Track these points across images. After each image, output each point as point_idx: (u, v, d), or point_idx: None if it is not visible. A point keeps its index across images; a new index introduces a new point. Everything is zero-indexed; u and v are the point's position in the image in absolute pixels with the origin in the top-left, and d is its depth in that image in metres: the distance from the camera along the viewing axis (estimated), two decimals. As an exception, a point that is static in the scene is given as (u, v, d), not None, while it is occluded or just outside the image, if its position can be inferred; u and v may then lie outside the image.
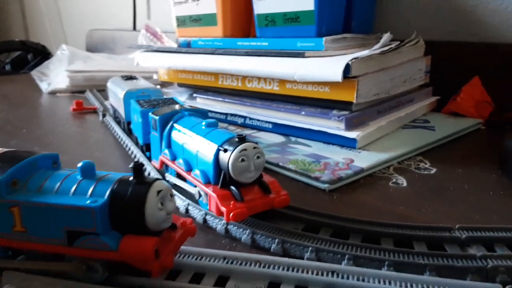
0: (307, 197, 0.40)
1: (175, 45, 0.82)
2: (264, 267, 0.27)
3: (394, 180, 0.44)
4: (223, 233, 0.34)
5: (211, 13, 0.68)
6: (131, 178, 0.25)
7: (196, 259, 0.28)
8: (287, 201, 0.33)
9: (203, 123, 0.36)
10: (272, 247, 0.31)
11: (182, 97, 0.74)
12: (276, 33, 0.61)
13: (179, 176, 0.39)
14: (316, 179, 0.42)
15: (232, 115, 0.64)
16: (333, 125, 0.52)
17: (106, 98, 0.78)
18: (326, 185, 0.41)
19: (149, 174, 0.44)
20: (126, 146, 0.55)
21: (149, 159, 0.46)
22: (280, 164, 0.46)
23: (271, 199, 0.32)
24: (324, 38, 0.54)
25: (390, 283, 0.25)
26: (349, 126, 0.51)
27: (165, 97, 0.51)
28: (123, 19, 1.42)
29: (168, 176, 0.41)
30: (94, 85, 0.99)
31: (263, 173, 0.34)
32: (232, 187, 0.32)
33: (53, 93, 1.00)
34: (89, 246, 0.24)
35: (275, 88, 0.59)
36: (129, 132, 0.57)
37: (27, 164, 0.27)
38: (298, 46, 0.57)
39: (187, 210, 0.37)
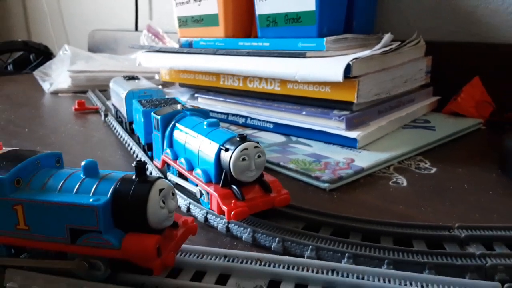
0: (308, 196, 0.41)
1: (177, 46, 0.82)
2: (264, 265, 0.27)
3: (394, 179, 0.44)
4: (224, 231, 0.34)
5: (213, 14, 0.68)
6: (133, 177, 0.25)
7: (197, 257, 0.28)
8: (287, 200, 0.33)
9: (205, 122, 0.37)
10: (272, 246, 0.31)
11: (184, 97, 0.75)
12: (278, 34, 0.61)
13: (180, 175, 0.40)
14: (317, 178, 0.42)
15: (233, 115, 0.65)
16: (334, 125, 0.52)
17: (108, 98, 0.78)
18: (326, 185, 0.42)
19: (151, 173, 0.44)
20: (128, 145, 0.55)
21: (151, 158, 0.47)
22: (281, 163, 0.46)
23: (271, 198, 0.33)
24: (325, 39, 0.54)
25: (389, 281, 0.25)
26: (350, 126, 0.52)
27: (167, 97, 0.51)
28: (125, 20, 1.42)
29: (170, 175, 0.41)
30: (96, 85, 0.99)
31: (264, 173, 0.34)
32: (233, 186, 0.32)
33: (55, 93, 1.00)
34: (91, 244, 0.25)
35: (276, 88, 0.59)
36: (131, 132, 0.58)
37: (30, 163, 0.27)
38: (299, 47, 0.57)
39: (188, 209, 0.37)
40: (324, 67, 0.51)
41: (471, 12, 0.69)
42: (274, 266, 0.27)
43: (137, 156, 0.51)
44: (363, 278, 0.26)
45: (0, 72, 1.43)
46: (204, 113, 0.42)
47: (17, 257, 0.28)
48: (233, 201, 0.31)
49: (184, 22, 0.75)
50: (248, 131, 0.61)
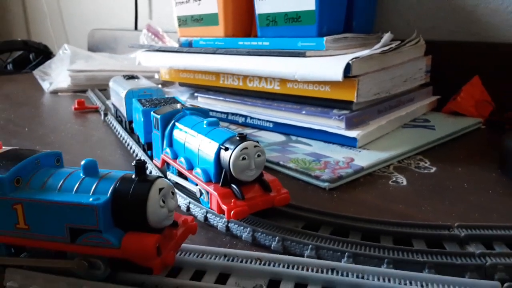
0: (308, 195, 0.41)
1: (176, 45, 0.82)
2: (264, 264, 0.27)
3: (394, 179, 0.44)
4: (224, 231, 0.34)
5: (212, 13, 0.68)
6: (133, 176, 0.25)
7: (197, 256, 0.28)
8: (287, 199, 0.33)
9: (205, 122, 0.37)
10: (272, 245, 0.31)
11: (184, 96, 0.75)
12: (277, 33, 0.61)
13: (180, 174, 0.40)
14: (317, 177, 0.42)
15: (233, 114, 0.65)
16: (334, 124, 0.52)
17: (108, 98, 0.78)
18: (326, 184, 0.42)
19: (150, 172, 0.44)
20: (128, 145, 0.56)
21: (151, 157, 0.47)
22: (281, 162, 0.46)
23: (271, 197, 0.33)
24: (325, 38, 0.54)
25: (389, 280, 0.25)
26: (350, 125, 0.52)
27: (166, 96, 0.51)
28: (125, 19, 1.42)
29: (170, 175, 0.41)
30: (95, 84, 0.99)
31: (264, 172, 0.34)
32: (233, 185, 0.32)
33: (55, 92, 1.00)
34: (91, 243, 0.25)
35: (276, 88, 0.59)
36: (130, 131, 0.58)
37: (30, 162, 0.27)
38: (299, 46, 0.57)
39: (188, 208, 0.37)
40: (324, 66, 0.51)
41: (471, 12, 0.69)
42: (274, 265, 0.27)
43: (136, 155, 0.51)
44: (363, 277, 0.26)
45: (0, 72, 1.43)
46: (203, 112, 0.42)
47: (17, 257, 0.28)
48: (233, 200, 0.31)
49: (183, 21, 0.75)
50: (247, 131, 0.61)
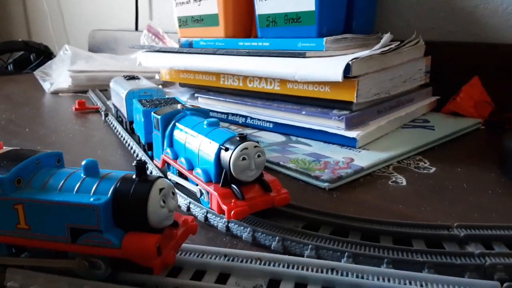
0: (307, 195, 0.41)
1: (177, 46, 0.82)
2: (264, 264, 0.27)
3: (394, 179, 0.44)
4: (224, 231, 0.34)
5: (213, 14, 0.68)
6: (134, 176, 0.25)
7: (197, 256, 0.28)
8: (287, 199, 0.33)
9: (205, 122, 0.37)
10: (272, 245, 0.31)
11: (184, 97, 0.75)
12: (277, 34, 0.61)
13: (181, 174, 0.40)
14: (316, 178, 0.43)
15: (233, 114, 0.65)
16: (334, 125, 0.53)
17: (109, 98, 0.79)
18: (326, 184, 0.42)
19: (151, 172, 0.44)
20: (129, 145, 0.56)
21: (151, 158, 0.47)
22: (281, 163, 0.46)
23: (271, 198, 0.33)
24: (324, 39, 0.54)
25: (389, 280, 0.25)
26: (349, 126, 0.52)
27: (167, 96, 0.52)
28: (125, 20, 1.42)
29: (170, 175, 0.41)
30: (96, 85, 0.99)
31: (264, 172, 0.34)
32: (233, 186, 0.32)
33: (55, 93, 1.00)
34: (92, 243, 0.25)
35: (276, 88, 0.59)
36: (131, 132, 0.58)
37: (31, 163, 0.27)
38: (299, 46, 0.57)
39: (188, 208, 0.37)
40: (324, 67, 0.51)
41: (470, 12, 0.69)
42: (274, 265, 0.27)
43: (137, 155, 0.51)
44: (362, 277, 0.26)
45: (1, 72, 1.43)
46: (204, 113, 0.42)
47: (17, 257, 0.28)
48: (233, 201, 0.31)
49: (184, 22, 0.75)
50: (248, 131, 0.61)
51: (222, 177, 0.33)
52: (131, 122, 0.56)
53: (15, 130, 0.67)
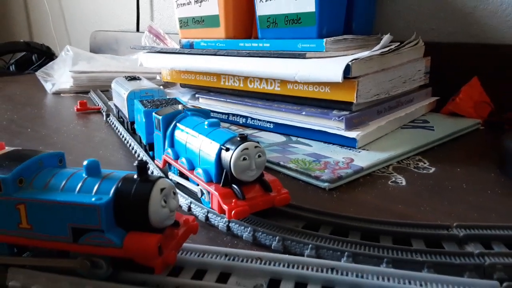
0: (308, 195, 0.41)
1: (178, 46, 0.82)
2: (265, 264, 0.27)
3: (393, 179, 0.44)
4: (225, 230, 0.34)
5: (213, 15, 0.68)
6: (135, 176, 0.25)
7: (198, 256, 0.28)
8: (287, 199, 0.33)
9: (206, 122, 0.37)
10: (273, 245, 0.31)
11: (185, 97, 0.75)
12: (278, 35, 0.61)
13: (182, 174, 0.40)
14: (317, 178, 0.43)
15: (234, 115, 0.65)
16: (334, 125, 0.53)
17: (110, 98, 0.79)
18: (326, 184, 0.42)
19: (152, 172, 0.44)
20: (130, 145, 0.56)
21: (153, 158, 0.47)
22: (281, 163, 0.47)
23: (272, 198, 0.33)
24: (324, 39, 0.54)
25: (388, 279, 0.25)
26: (349, 126, 0.52)
27: (168, 97, 0.52)
28: (127, 21, 1.43)
29: (171, 175, 0.42)
30: (98, 85, 0.99)
31: (264, 172, 0.34)
32: (234, 186, 0.32)
33: (57, 93, 1.00)
34: (94, 242, 0.25)
35: (276, 89, 0.59)
36: (132, 132, 0.58)
37: (33, 163, 0.27)
38: (299, 47, 0.57)
39: (189, 208, 0.38)
40: (324, 67, 0.52)
41: (469, 13, 0.70)
42: (274, 265, 0.27)
43: (138, 155, 0.52)
44: (362, 277, 0.26)
45: (3, 73, 1.44)
46: (205, 113, 0.42)
47: (19, 256, 0.28)
48: (233, 200, 0.31)
49: (185, 23, 0.75)
50: (248, 131, 0.61)
51: (223, 177, 0.33)
52: (132, 123, 0.57)
53: (17, 131, 0.67)
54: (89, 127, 0.70)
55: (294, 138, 0.57)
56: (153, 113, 0.42)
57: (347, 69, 0.49)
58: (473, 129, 0.61)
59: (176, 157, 0.39)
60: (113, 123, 0.68)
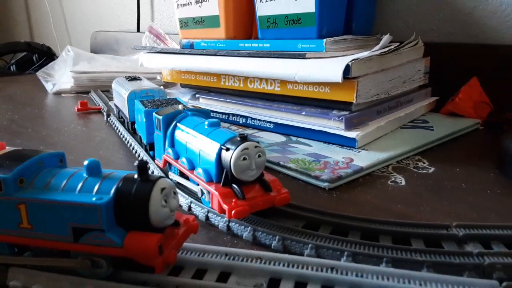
0: (308, 195, 0.41)
1: (178, 47, 0.82)
2: (265, 263, 0.27)
3: (393, 179, 0.44)
4: (225, 230, 0.34)
5: (214, 15, 0.68)
6: (135, 176, 0.26)
7: (198, 255, 0.28)
8: (287, 199, 0.33)
9: (206, 122, 0.37)
10: (272, 244, 0.31)
11: (185, 98, 0.75)
12: (278, 35, 0.61)
13: (182, 174, 0.40)
14: (316, 177, 0.43)
15: (234, 115, 0.65)
16: (333, 125, 0.53)
17: (111, 99, 0.79)
18: (326, 184, 0.42)
19: (152, 172, 0.44)
20: (130, 145, 0.56)
21: (153, 158, 0.47)
22: (281, 163, 0.47)
23: (272, 197, 0.33)
24: (324, 40, 0.54)
25: (388, 279, 0.26)
26: (349, 126, 0.52)
27: (168, 97, 0.52)
28: (127, 21, 1.43)
29: (172, 175, 0.42)
30: (98, 85, 0.99)
31: (264, 172, 0.34)
32: (234, 185, 0.33)
33: (58, 93, 1.00)
34: (94, 242, 0.25)
35: (276, 89, 0.59)
36: (133, 132, 0.58)
37: (33, 163, 0.27)
38: (299, 48, 0.57)
39: (190, 208, 0.38)
40: (324, 68, 0.52)
41: (469, 14, 0.70)
42: (274, 264, 0.27)
43: (139, 155, 0.52)
44: (362, 276, 0.26)
45: (4, 73, 1.44)
46: (205, 113, 0.42)
47: (20, 256, 0.28)
48: (233, 200, 0.31)
49: (185, 23, 0.75)
50: (248, 131, 0.61)
51: (223, 177, 0.33)
52: (133, 123, 0.57)
53: (17, 130, 0.67)
54: (89, 127, 0.70)
55: (294, 138, 0.57)
56: (154, 113, 0.43)
57: (347, 69, 0.49)
58: (472, 129, 0.61)
59: (177, 157, 0.39)
60: (113, 123, 0.68)
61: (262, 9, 0.62)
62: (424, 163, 0.49)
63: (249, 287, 0.26)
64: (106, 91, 0.95)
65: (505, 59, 0.65)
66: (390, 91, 0.57)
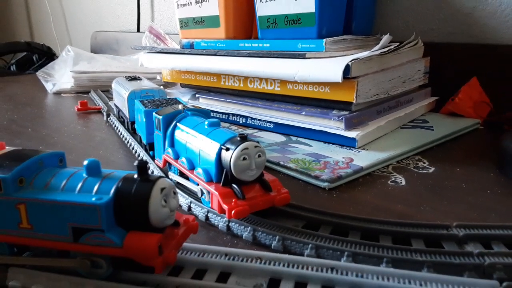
0: (307, 195, 0.41)
1: (178, 47, 0.82)
2: (265, 263, 0.27)
3: (393, 179, 0.44)
4: (225, 230, 0.34)
5: (214, 15, 0.68)
6: (135, 176, 0.26)
7: (198, 255, 0.28)
8: (287, 199, 0.33)
9: (206, 122, 0.37)
10: (272, 244, 0.31)
11: (185, 97, 0.75)
12: (278, 35, 0.61)
13: (182, 174, 0.40)
14: (316, 177, 0.43)
15: (234, 115, 0.65)
16: (333, 125, 0.53)
17: (110, 98, 0.79)
18: (326, 184, 0.42)
19: (152, 172, 0.44)
20: (130, 145, 0.56)
21: (153, 158, 0.47)
22: (281, 163, 0.47)
23: (272, 197, 0.33)
24: (324, 40, 0.54)
25: (388, 279, 0.26)
26: (349, 126, 0.52)
27: (168, 97, 0.52)
28: (127, 21, 1.43)
29: (171, 175, 0.42)
30: (98, 85, 0.99)
31: (264, 172, 0.34)
32: (234, 185, 0.33)
33: (58, 93, 1.00)
34: (94, 242, 0.25)
35: (276, 89, 0.59)
36: (133, 132, 0.58)
37: (33, 162, 0.27)
38: (299, 48, 0.57)
39: (189, 208, 0.38)
40: (324, 67, 0.52)
41: (468, 14, 0.70)
42: (274, 264, 0.27)
43: (139, 155, 0.52)
44: (362, 276, 0.26)
45: (4, 73, 1.44)
46: (205, 113, 0.42)
47: (20, 256, 0.28)
48: (233, 200, 0.31)
49: (185, 23, 0.75)
50: (248, 131, 0.61)
51: (223, 177, 0.33)
52: (133, 123, 0.57)
53: (17, 130, 0.67)
54: (89, 127, 0.70)
55: (294, 138, 0.57)
56: (154, 113, 0.43)
57: (347, 69, 0.49)
58: (472, 129, 0.61)
59: (176, 157, 0.39)
60: (113, 123, 0.68)
61: (262, 9, 0.62)
62: (424, 163, 0.49)
63: (249, 287, 0.26)
64: (106, 91, 0.95)
65: (505, 59, 0.65)
66: (390, 91, 0.57)
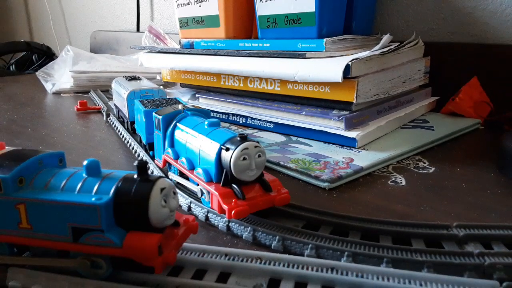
0: (308, 195, 0.41)
1: (178, 46, 0.82)
2: (265, 263, 0.27)
3: (393, 179, 0.44)
4: (225, 230, 0.34)
5: (214, 15, 0.68)
6: (135, 176, 0.26)
7: (198, 255, 0.28)
8: (287, 199, 0.33)
9: (206, 122, 0.37)
10: (272, 244, 0.31)
11: (185, 97, 0.75)
12: (278, 35, 0.61)
13: (182, 174, 0.40)
14: (317, 177, 0.43)
15: (234, 115, 0.65)
16: (333, 125, 0.53)
17: (110, 98, 0.79)
18: (326, 184, 0.42)
19: (152, 172, 0.44)
20: (130, 145, 0.56)
21: (153, 158, 0.47)
22: (281, 163, 0.47)
23: (272, 197, 0.33)
24: (324, 39, 0.54)
25: (388, 279, 0.26)
26: (349, 126, 0.52)
27: (168, 97, 0.52)
28: (127, 21, 1.43)
29: (171, 175, 0.42)
30: (98, 85, 0.99)
31: (264, 172, 0.34)
32: (234, 185, 0.33)
33: (57, 93, 1.00)
34: (94, 242, 0.25)
35: (276, 89, 0.59)
36: (132, 132, 0.58)
37: (33, 162, 0.27)
38: (299, 47, 0.57)
39: (189, 208, 0.38)
40: (324, 67, 0.52)
41: (469, 14, 0.70)
42: (274, 265, 0.27)
43: (138, 155, 0.52)
44: (362, 276, 0.26)
45: (3, 73, 1.44)
46: (205, 113, 0.42)
47: (19, 256, 0.28)
48: (233, 200, 0.31)
49: (185, 23, 0.75)
50: (248, 131, 0.61)
51: (223, 177, 0.33)
52: (133, 123, 0.57)
53: (17, 130, 0.67)
54: (89, 127, 0.70)
55: (294, 138, 0.57)
56: (153, 113, 0.42)
57: (347, 69, 0.49)
58: (472, 129, 0.61)
59: (176, 157, 0.39)
60: (113, 123, 0.68)
61: (262, 9, 0.62)
62: (424, 163, 0.49)
63: (249, 287, 0.26)
64: (105, 91, 0.95)
65: (506, 59, 0.65)
66: (390, 91, 0.57)
